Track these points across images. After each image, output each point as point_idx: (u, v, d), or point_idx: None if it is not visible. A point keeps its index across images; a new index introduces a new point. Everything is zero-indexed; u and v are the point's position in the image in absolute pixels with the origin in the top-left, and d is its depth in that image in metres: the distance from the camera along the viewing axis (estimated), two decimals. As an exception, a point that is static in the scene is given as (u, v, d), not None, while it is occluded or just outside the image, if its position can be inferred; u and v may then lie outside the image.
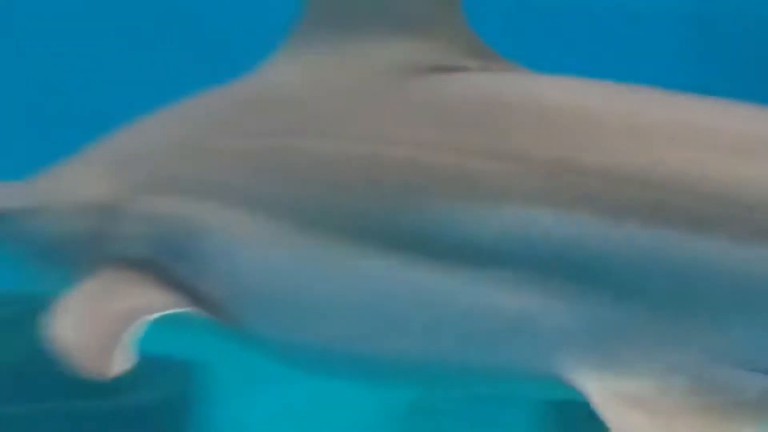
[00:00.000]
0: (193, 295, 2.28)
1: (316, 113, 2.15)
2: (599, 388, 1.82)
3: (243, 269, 2.15)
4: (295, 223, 2.06)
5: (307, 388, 8.20)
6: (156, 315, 2.29)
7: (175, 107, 2.53)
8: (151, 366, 7.88)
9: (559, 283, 1.90)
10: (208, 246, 2.20)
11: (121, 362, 2.25)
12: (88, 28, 10.81)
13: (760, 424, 1.77)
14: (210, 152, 2.28)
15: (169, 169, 2.34)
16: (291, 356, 2.40)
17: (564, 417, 6.41)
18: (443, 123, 2.05)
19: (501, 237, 1.91)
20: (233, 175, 2.20)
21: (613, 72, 2.28)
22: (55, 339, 2.33)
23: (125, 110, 2.77)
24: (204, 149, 2.30)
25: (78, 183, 2.48)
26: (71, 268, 2.51)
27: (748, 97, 2.26)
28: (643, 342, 1.84)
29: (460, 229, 1.92)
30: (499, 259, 1.90)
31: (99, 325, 2.23)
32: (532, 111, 2.02)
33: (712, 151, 1.99)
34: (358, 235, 1.99)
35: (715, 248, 1.88)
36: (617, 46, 10.45)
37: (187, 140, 2.35)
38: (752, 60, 10.19)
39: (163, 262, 2.31)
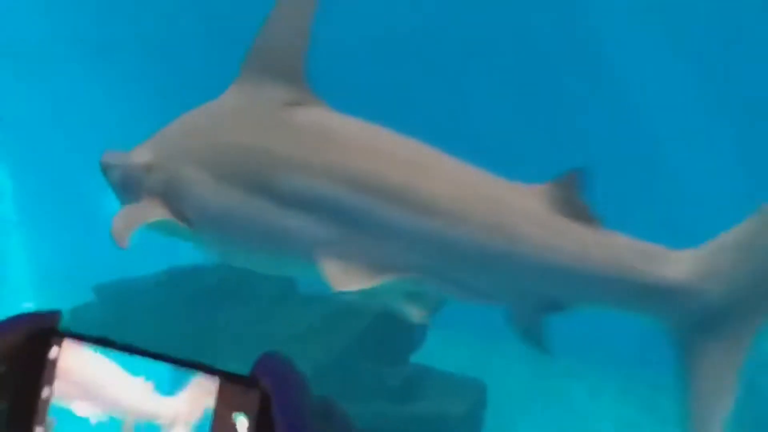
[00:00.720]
0: (177, 214, 4.04)
1: (235, 124, 4.01)
2: (333, 267, 3.61)
3: (200, 202, 3.95)
4: (224, 180, 3.89)
5: (588, 411, 8.48)
6: (158, 218, 4.06)
7: (186, 114, 4.26)
8: (451, 381, 8.49)
9: (322, 215, 3.68)
10: (188, 189, 3.99)
11: (129, 241, 3.86)
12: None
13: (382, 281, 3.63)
14: (194, 139, 4.13)
15: (176, 147, 4.16)
16: (217, 248, 4.18)
17: None
18: (282, 134, 3.86)
19: (298, 193, 3.72)
20: (201, 153, 4.02)
21: None
22: (111, 228, 3.92)
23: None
24: (192, 137, 4.15)
25: (141, 153, 4.25)
26: (133, 198, 4.24)
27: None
28: (355, 245, 3.62)
29: (282, 188, 3.74)
30: (295, 203, 3.72)
31: (127, 222, 3.95)
32: (318, 132, 3.84)
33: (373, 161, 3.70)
34: (246, 189, 3.81)
35: (364, 203, 3.67)
36: None
37: (186, 132, 4.20)
38: None
39: (169, 195, 4.07)
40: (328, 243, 3.68)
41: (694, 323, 3.28)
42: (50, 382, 1.25)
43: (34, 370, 1.25)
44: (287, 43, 3.97)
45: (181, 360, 1.26)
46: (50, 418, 1.25)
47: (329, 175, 3.69)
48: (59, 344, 1.27)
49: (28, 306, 14.02)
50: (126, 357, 1.27)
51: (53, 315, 1.31)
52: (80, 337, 1.28)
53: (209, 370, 1.25)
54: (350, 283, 3.60)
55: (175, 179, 4.05)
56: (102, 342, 1.28)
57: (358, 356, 8.09)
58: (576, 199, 3.52)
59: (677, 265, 3.32)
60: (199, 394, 1.24)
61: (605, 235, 3.48)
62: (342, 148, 3.74)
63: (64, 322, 1.31)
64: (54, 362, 1.26)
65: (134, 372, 1.27)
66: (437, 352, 7.72)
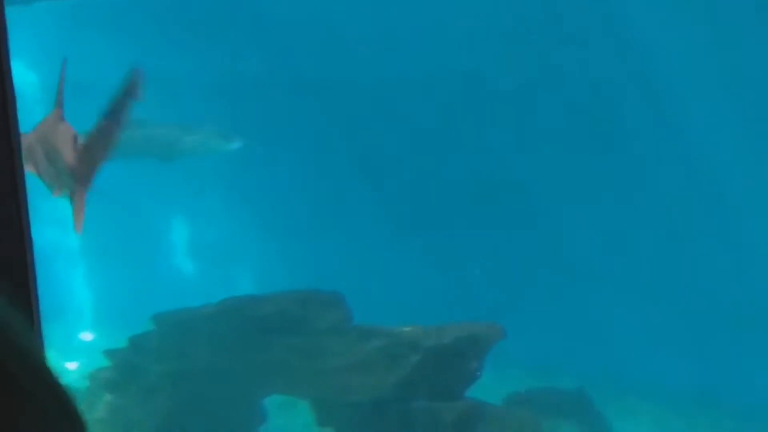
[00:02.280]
0: (33, 168, 6.89)
1: (44, 129, 7.10)
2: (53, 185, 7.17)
3: (34, 163, 6.94)
4: (38, 152, 7.02)
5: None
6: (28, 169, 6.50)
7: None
8: (507, 417, 8.49)
9: (56, 164, 7.00)
10: (32, 158, 6.91)
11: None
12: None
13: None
14: (35, 134, 7.10)
15: (33, 136, 7.10)
16: (45, 183, 7.11)
17: None
18: (51, 134, 7.01)
19: (50, 156, 6.98)
20: (36, 140, 7.10)
21: None
22: None
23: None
24: (35, 132, 7.13)
25: (25, 138, 7.53)
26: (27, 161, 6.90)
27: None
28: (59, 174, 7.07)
29: (49, 156, 7.02)
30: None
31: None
32: (54, 132, 7.04)
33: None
34: (43, 154, 6.96)
35: None
36: None
37: (35, 130, 7.22)
38: None
39: (31, 160, 6.92)
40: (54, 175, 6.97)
41: None
42: None
43: None
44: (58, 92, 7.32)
45: None
46: None
47: (53, 146, 6.94)
48: None
49: (88, 336, 14.24)
50: None
51: None
52: None
53: None
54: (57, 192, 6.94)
55: (31, 152, 7.07)
56: None
57: (414, 390, 8.10)
58: None
59: None
60: None
61: None
62: (56, 137, 6.97)
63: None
64: None
65: None
66: (493, 388, 7.70)
